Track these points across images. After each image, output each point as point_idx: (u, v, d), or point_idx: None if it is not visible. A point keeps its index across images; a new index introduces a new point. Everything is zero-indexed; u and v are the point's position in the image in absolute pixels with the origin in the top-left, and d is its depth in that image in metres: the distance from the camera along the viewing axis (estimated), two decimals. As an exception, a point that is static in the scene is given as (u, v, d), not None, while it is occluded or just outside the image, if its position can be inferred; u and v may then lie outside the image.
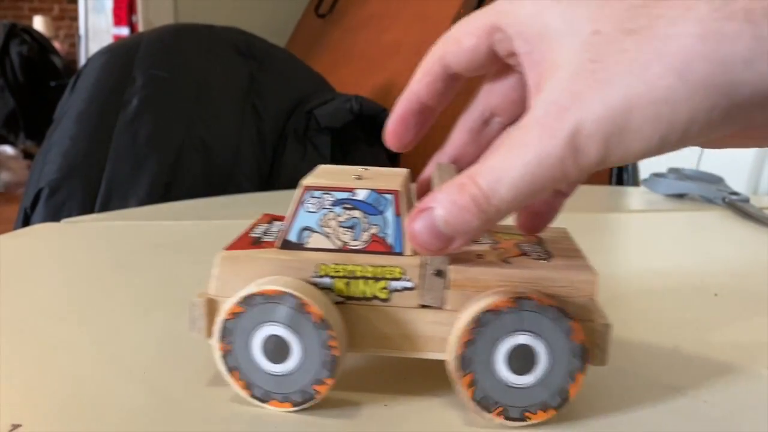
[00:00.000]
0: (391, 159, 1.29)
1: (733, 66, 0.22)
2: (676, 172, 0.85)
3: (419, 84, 0.31)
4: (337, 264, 0.28)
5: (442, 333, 0.28)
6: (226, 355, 0.28)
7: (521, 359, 0.27)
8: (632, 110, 0.23)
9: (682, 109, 0.22)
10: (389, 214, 0.29)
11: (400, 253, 0.28)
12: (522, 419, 0.27)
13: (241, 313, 0.28)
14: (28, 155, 3.16)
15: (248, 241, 0.31)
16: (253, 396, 0.29)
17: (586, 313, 0.27)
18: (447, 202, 0.26)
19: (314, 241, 0.29)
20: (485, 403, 0.27)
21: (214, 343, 0.29)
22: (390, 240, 0.29)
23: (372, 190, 0.29)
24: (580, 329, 0.27)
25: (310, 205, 0.29)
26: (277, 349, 0.28)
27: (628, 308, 0.43)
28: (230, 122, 1.13)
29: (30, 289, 0.45)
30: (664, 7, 0.23)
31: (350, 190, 0.29)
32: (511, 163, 0.25)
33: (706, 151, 1.11)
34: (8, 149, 3.25)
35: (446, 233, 0.26)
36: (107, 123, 1.05)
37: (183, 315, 0.40)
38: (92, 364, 0.33)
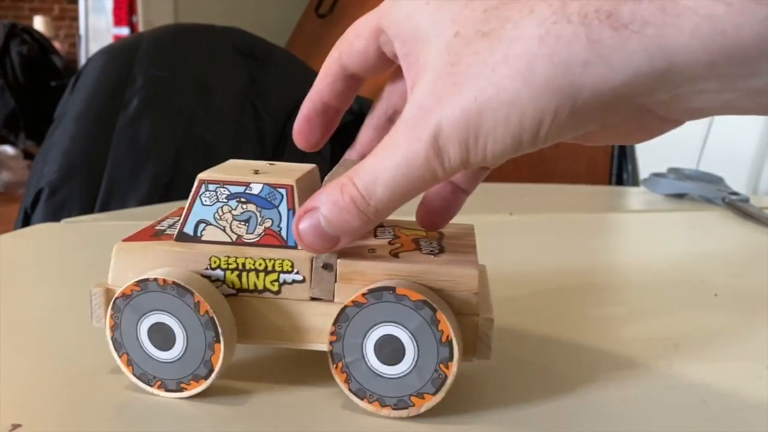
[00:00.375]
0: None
1: (572, 68, 0.22)
2: (676, 172, 0.85)
3: (321, 84, 0.31)
4: (229, 257, 0.29)
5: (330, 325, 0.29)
6: (114, 334, 0.29)
7: (390, 350, 0.28)
8: (483, 112, 0.23)
9: (528, 111, 0.23)
10: (283, 208, 0.29)
11: (293, 247, 0.29)
12: (402, 407, 0.28)
13: (131, 296, 0.29)
14: (28, 155, 3.16)
15: (149, 233, 0.31)
16: (135, 375, 0.30)
17: (470, 307, 0.28)
18: (329, 203, 0.26)
19: (209, 234, 0.30)
20: (360, 394, 0.28)
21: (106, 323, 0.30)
22: (284, 233, 0.29)
23: (266, 184, 0.29)
24: (443, 318, 0.27)
25: (205, 199, 0.30)
26: (163, 337, 0.29)
27: (628, 308, 0.43)
28: (230, 122, 1.13)
29: (30, 289, 0.45)
30: (512, 9, 0.23)
31: (245, 184, 0.29)
32: (384, 164, 0.25)
33: (706, 151, 1.11)
34: (8, 149, 3.25)
35: (330, 233, 0.27)
36: (107, 123, 1.05)
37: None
38: (92, 364, 0.33)
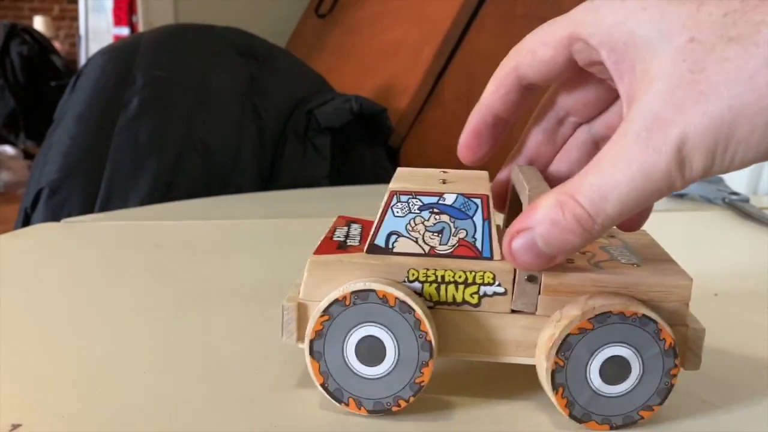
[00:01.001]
0: (391, 159, 1.29)
1: None
2: (676, 172, 0.85)
3: (493, 96, 0.30)
4: (428, 269, 0.28)
5: (532, 338, 0.28)
6: (317, 337, 0.28)
7: (615, 369, 0.27)
8: (738, 120, 0.22)
9: None
10: (478, 218, 0.29)
11: (488, 258, 0.28)
12: (629, 422, 0.28)
13: (350, 305, 0.28)
14: (28, 155, 3.16)
15: (333, 246, 0.30)
16: (325, 387, 0.28)
17: (679, 318, 0.28)
18: (547, 223, 0.26)
19: (401, 245, 0.29)
20: (585, 418, 0.28)
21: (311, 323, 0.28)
22: (478, 244, 0.28)
23: (460, 194, 0.29)
24: (668, 334, 0.27)
25: (397, 210, 0.29)
26: (371, 351, 0.28)
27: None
28: (230, 122, 1.13)
29: (30, 289, 0.45)
30: (763, 12, 0.22)
31: (439, 194, 0.29)
32: (615, 179, 0.24)
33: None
34: (8, 149, 3.25)
35: (547, 253, 0.26)
36: (107, 123, 1.05)
37: (183, 315, 0.40)
38: (92, 364, 0.33)
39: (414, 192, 0.29)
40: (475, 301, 0.28)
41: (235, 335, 0.37)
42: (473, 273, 0.28)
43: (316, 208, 0.76)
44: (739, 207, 0.70)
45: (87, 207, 0.99)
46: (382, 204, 0.29)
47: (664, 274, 0.28)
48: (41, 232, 0.63)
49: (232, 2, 1.98)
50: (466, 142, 0.32)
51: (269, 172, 1.16)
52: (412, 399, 0.28)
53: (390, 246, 0.29)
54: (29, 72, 3.18)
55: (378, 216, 0.29)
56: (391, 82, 1.42)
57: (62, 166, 1.01)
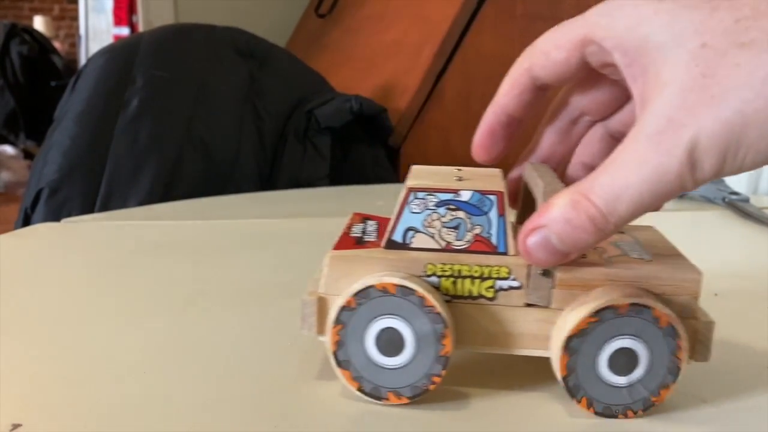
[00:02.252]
0: (391, 159, 1.29)
1: None
2: (676, 172, 0.85)
3: (507, 96, 0.31)
4: (444, 263, 0.29)
5: (546, 331, 0.29)
6: (338, 347, 0.29)
7: (624, 360, 0.28)
8: (749, 124, 0.23)
9: None
10: (493, 214, 0.29)
11: (504, 253, 0.29)
12: (614, 416, 0.29)
13: (356, 306, 0.29)
14: (28, 155, 3.16)
15: (351, 241, 0.31)
16: (362, 390, 0.29)
17: (690, 311, 0.28)
18: (561, 221, 0.26)
19: (418, 240, 0.29)
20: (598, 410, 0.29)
21: (327, 335, 0.29)
22: (494, 240, 0.29)
23: (476, 191, 0.29)
24: (663, 313, 0.27)
25: (414, 206, 0.29)
26: (391, 343, 0.29)
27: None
28: (230, 122, 1.13)
29: (30, 289, 0.45)
30: None
31: (454, 191, 0.29)
32: (628, 180, 0.25)
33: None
34: (8, 149, 3.25)
35: (561, 250, 0.27)
36: (107, 123, 1.05)
37: (183, 315, 0.40)
38: (92, 364, 0.33)
39: (430, 189, 0.29)
40: (490, 295, 0.29)
41: (235, 335, 0.37)
42: (489, 268, 0.29)
43: (316, 208, 0.76)
44: (739, 207, 0.70)
45: (87, 207, 0.99)
46: (399, 200, 0.29)
47: (675, 269, 0.29)
48: (41, 232, 0.63)
49: (232, 2, 1.98)
50: (480, 142, 0.32)
51: (269, 172, 1.16)
52: (443, 372, 0.29)
53: (407, 241, 0.29)
54: (29, 72, 3.18)
55: (395, 212, 0.30)
56: (391, 82, 1.42)
57: (62, 166, 1.01)
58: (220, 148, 1.09)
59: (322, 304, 0.29)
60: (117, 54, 1.13)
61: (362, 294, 0.28)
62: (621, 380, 0.28)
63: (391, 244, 0.29)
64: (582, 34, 0.28)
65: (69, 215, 0.93)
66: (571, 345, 0.28)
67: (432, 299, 0.28)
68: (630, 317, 0.27)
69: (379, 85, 1.42)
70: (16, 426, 0.27)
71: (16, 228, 0.93)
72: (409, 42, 1.46)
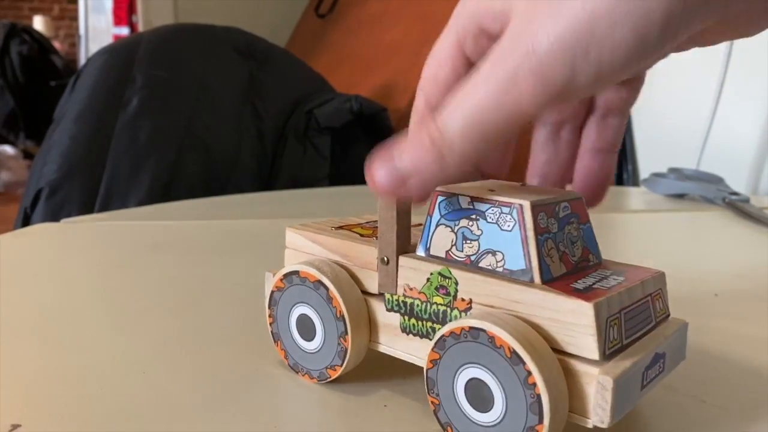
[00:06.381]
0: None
1: None
2: (676, 172, 0.85)
3: None
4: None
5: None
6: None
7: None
8: (597, 17, 0.20)
9: None
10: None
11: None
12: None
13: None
14: (28, 155, 3.16)
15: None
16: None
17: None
18: (405, 141, 0.25)
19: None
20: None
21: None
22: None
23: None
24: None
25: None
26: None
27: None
28: (230, 122, 1.13)
29: (29, 289, 0.45)
30: None
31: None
32: (461, 95, 0.23)
33: (706, 151, 1.11)
34: (8, 149, 3.25)
35: (400, 170, 0.25)
36: (107, 123, 1.05)
37: (183, 315, 0.40)
38: (92, 364, 0.33)
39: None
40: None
41: (236, 335, 0.37)
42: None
43: (316, 208, 0.76)
44: (739, 207, 0.70)
45: (87, 207, 0.99)
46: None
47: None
48: (41, 232, 0.63)
49: (232, 2, 1.98)
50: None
51: (269, 172, 1.16)
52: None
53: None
54: (29, 72, 3.18)
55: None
56: (391, 82, 1.42)
57: (62, 166, 1.01)
58: (220, 148, 1.09)
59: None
60: (117, 54, 1.14)
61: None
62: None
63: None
64: (454, 36, 0.27)
65: (68, 215, 0.93)
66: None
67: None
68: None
69: (379, 85, 1.42)
70: (15, 426, 0.27)
71: (15, 228, 0.93)
72: (409, 42, 1.46)
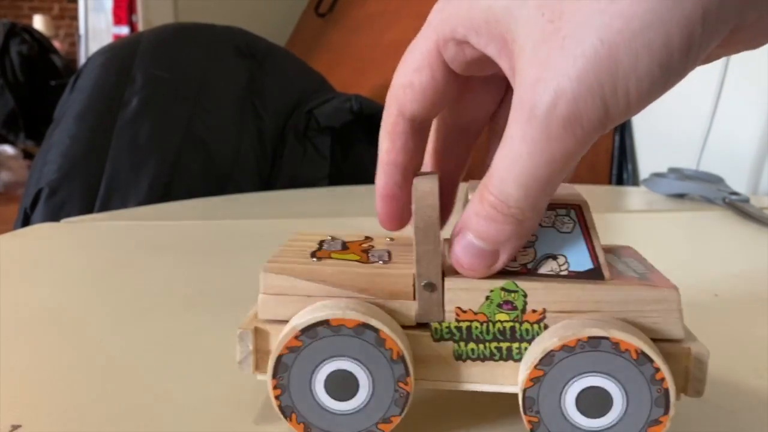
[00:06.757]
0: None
1: None
2: (676, 172, 0.85)
3: (391, 154, 0.27)
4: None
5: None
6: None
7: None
8: (615, 50, 0.20)
9: (674, 25, 0.20)
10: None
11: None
12: None
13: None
14: (28, 155, 3.16)
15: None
16: None
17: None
18: (474, 218, 0.24)
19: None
20: None
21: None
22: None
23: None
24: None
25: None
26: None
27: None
28: (230, 122, 1.13)
29: (30, 289, 0.45)
30: None
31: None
32: (507, 162, 0.23)
33: (706, 151, 1.11)
34: (8, 149, 3.25)
35: (484, 248, 0.24)
36: (107, 123, 1.05)
37: (183, 315, 0.40)
38: (92, 364, 0.33)
39: None
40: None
41: (236, 335, 0.37)
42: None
43: (316, 208, 0.76)
44: (739, 207, 0.70)
45: (87, 207, 0.99)
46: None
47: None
48: (41, 232, 0.63)
49: (232, 2, 1.98)
50: (387, 213, 0.28)
51: (269, 172, 1.16)
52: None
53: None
54: (29, 71, 3.18)
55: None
56: (390, 82, 1.42)
57: (62, 166, 1.01)
58: (219, 147, 1.09)
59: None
60: (116, 53, 1.14)
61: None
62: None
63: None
64: (433, 39, 0.25)
65: (68, 215, 0.93)
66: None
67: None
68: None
69: (379, 85, 1.42)
70: (15, 427, 0.27)
71: (15, 228, 0.93)
72: (409, 41, 1.46)
